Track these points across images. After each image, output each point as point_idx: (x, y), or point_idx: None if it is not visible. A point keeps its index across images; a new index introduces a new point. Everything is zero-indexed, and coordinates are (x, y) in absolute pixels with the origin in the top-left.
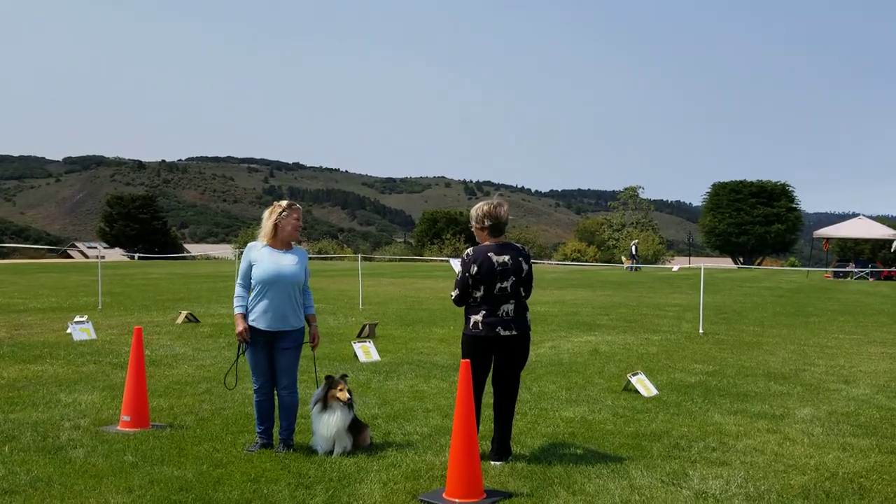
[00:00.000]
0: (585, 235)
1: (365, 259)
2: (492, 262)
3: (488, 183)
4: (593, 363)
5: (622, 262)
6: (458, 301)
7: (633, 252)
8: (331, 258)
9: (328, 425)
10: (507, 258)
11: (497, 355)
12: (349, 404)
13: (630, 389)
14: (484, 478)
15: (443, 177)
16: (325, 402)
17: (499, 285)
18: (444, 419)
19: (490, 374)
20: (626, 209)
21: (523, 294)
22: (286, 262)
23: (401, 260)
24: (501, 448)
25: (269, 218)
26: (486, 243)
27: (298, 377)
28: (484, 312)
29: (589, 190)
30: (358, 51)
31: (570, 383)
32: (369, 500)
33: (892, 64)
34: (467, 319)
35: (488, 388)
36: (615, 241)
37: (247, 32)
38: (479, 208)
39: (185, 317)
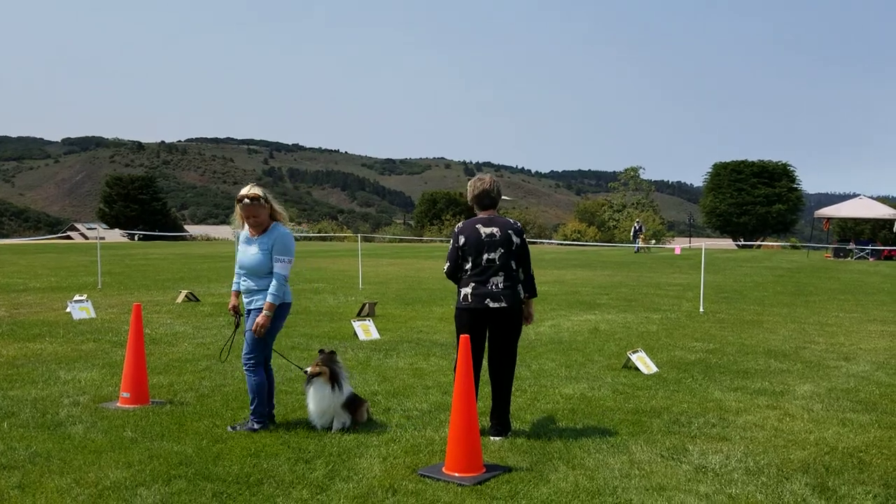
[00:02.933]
0: (586, 216)
1: (365, 239)
2: (479, 234)
3: (488, 164)
4: (593, 341)
5: (633, 243)
6: (449, 273)
7: (638, 229)
8: (331, 238)
9: (311, 399)
10: (495, 230)
11: (488, 328)
12: (315, 375)
13: (630, 367)
14: (483, 452)
15: (442, 158)
16: (308, 379)
17: (486, 256)
18: (444, 395)
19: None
20: (626, 190)
21: (515, 268)
22: (250, 251)
23: (400, 241)
24: (501, 423)
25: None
26: (477, 216)
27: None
28: (473, 285)
29: (589, 171)
30: (358, 32)
31: (570, 361)
32: (369, 473)
33: (892, 45)
34: (458, 293)
35: (487, 375)
36: (615, 221)
37: (247, 14)
38: (469, 182)
39: (186, 296)
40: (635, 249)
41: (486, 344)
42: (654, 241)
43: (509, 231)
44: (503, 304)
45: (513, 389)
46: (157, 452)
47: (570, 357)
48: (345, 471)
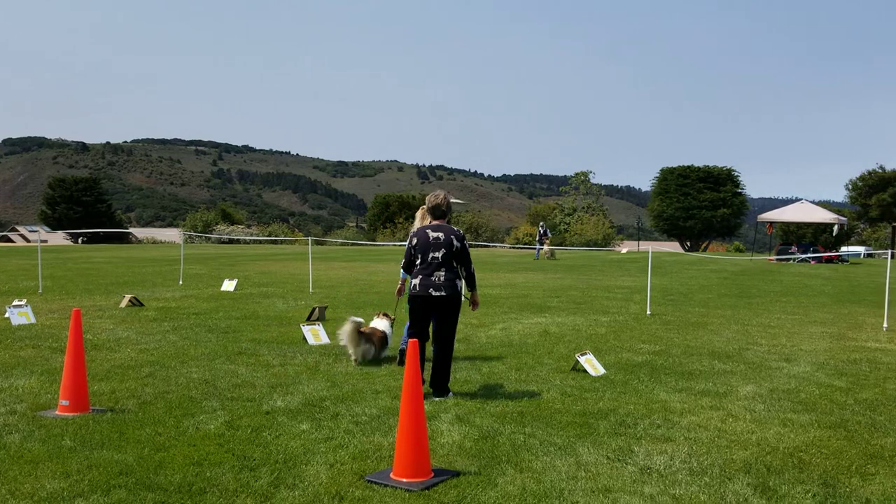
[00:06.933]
0: (537, 220)
1: (316, 243)
2: (428, 236)
3: (441, 167)
4: (543, 344)
5: (537, 246)
6: (405, 267)
7: (543, 233)
8: (281, 241)
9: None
10: (440, 234)
11: (432, 312)
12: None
13: (578, 369)
14: (431, 457)
15: (395, 160)
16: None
17: (432, 255)
18: (394, 400)
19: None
20: (577, 194)
21: (456, 265)
22: None
23: (353, 244)
24: (438, 384)
25: None
26: (429, 223)
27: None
28: (421, 277)
29: (541, 175)
30: (309, 32)
31: (520, 364)
32: (315, 481)
33: (832, 53)
34: (411, 283)
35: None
36: (566, 224)
37: (194, 11)
38: (427, 197)
39: (130, 300)
40: (535, 256)
41: (432, 324)
42: (559, 245)
43: (451, 236)
44: (443, 293)
45: (462, 391)
46: (96, 462)
47: (520, 360)
48: (290, 478)
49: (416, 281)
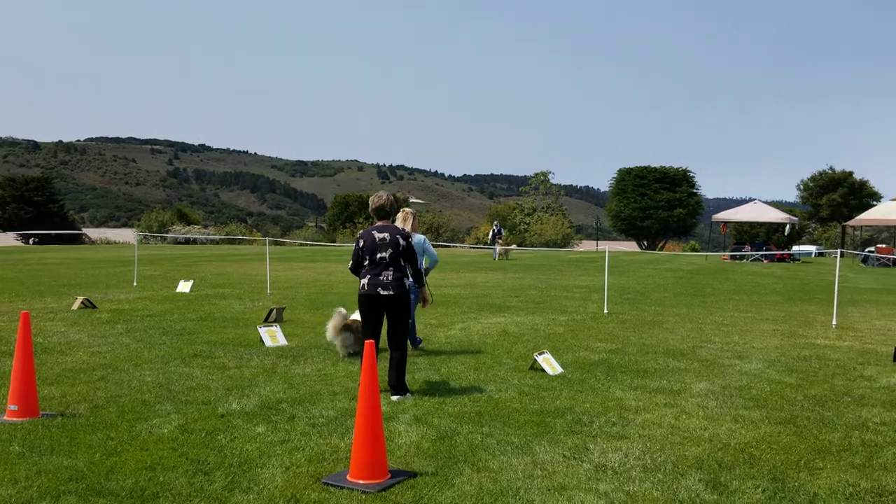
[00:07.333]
0: (498, 220)
1: (275, 243)
2: (374, 237)
3: (401, 167)
4: (502, 343)
5: (493, 246)
6: (352, 269)
7: (497, 232)
8: (239, 241)
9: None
10: (386, 235)
11: (383, 312)
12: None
13: (536, 368)
14: (389, 458)
15: (355, 160)
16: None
17: (379, 255)
18: (351, 401)
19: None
20: (537, 194)
21: (403, 264)
22: None
23: (312, 244)
24: (396, 384)
25: None
26: (375, 224)
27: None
28: (369, 277)
29: (501, 175)
30: (266, 28)
31: (479, 363)
32: (270, 484)
33: (783, 56)
34: (360, 283)
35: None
36: (526, 224)
37: (147, 6)
38: (370, 198)
39: (82, 302)
40: (494, 256)
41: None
42: (514, 245)
43: (397, 236)
44: (391, 292)
45: (421, 391)
46: (46, 468)
47: (479, 360)
48: (245, 482)
49: (364, 281)
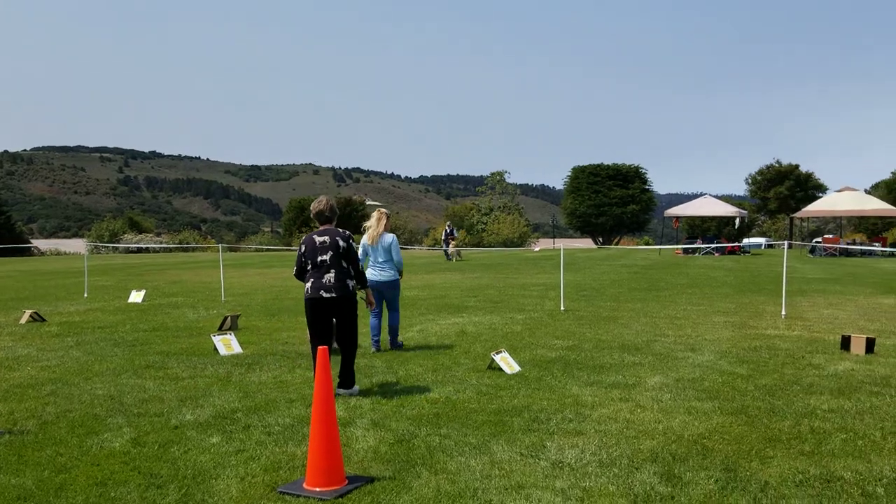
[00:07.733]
0: (455, 220)
1: (230, 249)
2: (314, 242)
3: (357, 169)
4: (460, 344)
5: (444, 247)
6: (296, 274)
7: (449, 233)
8: (193, 248)
9: None
10: (326, 238)
11: (330, 315)
12: None
13: (494, 368)
14: (346, 464)
15: (311, 164)
16: None
17: (320, 258)
18: (308, 409)
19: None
20: (493, 193)
21: (345, 266)
22: None
23: (267, 250)
24: (346, 380)
25: None
26: (316, 229)
27: None
28: (312, 280)
29: (457, 175)
30: (220, 32)
31: (437, 365)
32: (225, 495)
33: (728, 50)
34: (304, 288)
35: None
36: (483, 224)
37: (96, 11)
38: (311, 204)
39: (30, 316)
40: (447, 257)
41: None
42: (478, 245)
43: (337, 238)
44: (334, 295)
45: (378, 394)
46: None
47: (437, 361)
48: (199, 494)
49: (308, 285)
